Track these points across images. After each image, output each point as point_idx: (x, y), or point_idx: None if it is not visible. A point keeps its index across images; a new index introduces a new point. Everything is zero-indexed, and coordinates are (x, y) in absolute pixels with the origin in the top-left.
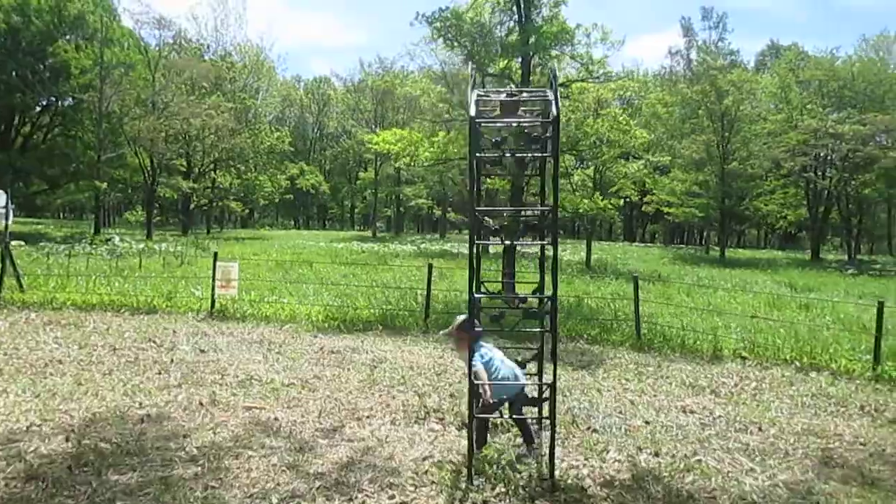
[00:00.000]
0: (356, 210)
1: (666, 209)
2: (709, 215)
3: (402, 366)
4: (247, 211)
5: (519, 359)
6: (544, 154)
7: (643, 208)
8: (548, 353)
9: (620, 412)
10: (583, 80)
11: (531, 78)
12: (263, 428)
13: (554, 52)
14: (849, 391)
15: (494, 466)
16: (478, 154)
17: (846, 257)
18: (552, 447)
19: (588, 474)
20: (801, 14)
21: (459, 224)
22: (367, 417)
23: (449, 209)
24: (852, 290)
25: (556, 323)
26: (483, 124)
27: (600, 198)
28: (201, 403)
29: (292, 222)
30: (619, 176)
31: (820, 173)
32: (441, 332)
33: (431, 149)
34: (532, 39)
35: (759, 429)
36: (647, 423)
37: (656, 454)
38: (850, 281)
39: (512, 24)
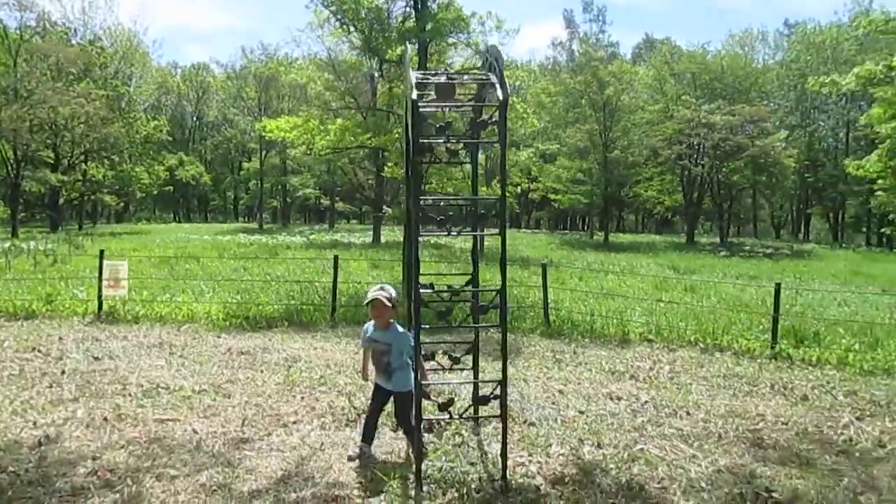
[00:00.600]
0: (240, 201)
1: (552, 196)
2: (593, 202)
3: (318, 364)
4: (122, 205)
5: (454, 354)
6: (490, 141)
7: (529, 195)
8: (491, 350)
9: (553, 403)
10: (478, 69)
11: (428, 65)
12: (182, 443)
13: (451, 40)
14: (755, 370)
15: (443, 470)
16: (424, 140)
17: (718, 240)
18: (504, 448)
19: (537, 471)
20: (674, 10)
21: (348, 214)
22: (294, 423)
23: (337, 199)
24: (728, 270)
25: (505, 318)
26: (421, 108)
27: (496, 185)
28: (105, 419)
29: (172, 215)
30: (510, 164)
31: (694, 161)
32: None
33: (328, 137)
34: (429, 26)
35: (687, 413)
36: (580, 412)
37: (599, 445)
38: (725, 262)
39: (408, 9)
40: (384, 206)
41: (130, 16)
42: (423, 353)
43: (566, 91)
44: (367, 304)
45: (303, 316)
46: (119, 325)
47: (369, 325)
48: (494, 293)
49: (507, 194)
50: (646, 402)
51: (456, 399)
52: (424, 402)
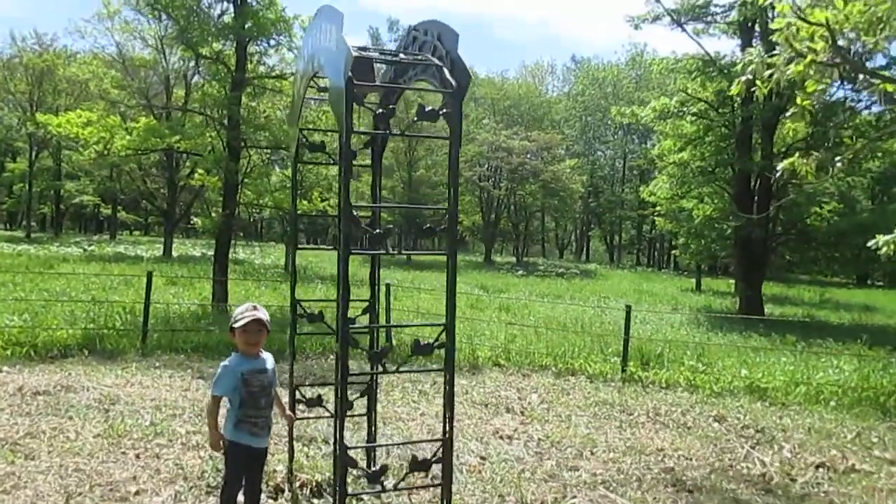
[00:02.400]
0: (2, 207)
1: (357, 213)
2: (396, 219)
3: (144, 406)
4: None
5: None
6: (441, 137)
7: (331, 211)
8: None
9: None
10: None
11: (247, 66)
12: None
13: (273, 42)
14: (618, 396)
15: None
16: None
17: (515, 260)
18: None
19: None
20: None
21: (132, 224)
22: (137, 495)
23: (121, 208)
24: (531, 289)
25: (453, 359)
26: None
27: (319, 199)
28: None
29: None
30: (320, 178)
31: (494, 183)
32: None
33: (129, 137)
34: (249, 24)
35: (591, 452)
36: (482, 458)
37: (525, 503)
38: (525, 281)
39: (226, 3)
40: (192, 217)
41: None
42: (306, 396)
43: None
44: (242, 326)
45: (107, 342)
46: None
47: (234, 359)
48: (441, 329)
49: (329, 206)
50: (539, 440)
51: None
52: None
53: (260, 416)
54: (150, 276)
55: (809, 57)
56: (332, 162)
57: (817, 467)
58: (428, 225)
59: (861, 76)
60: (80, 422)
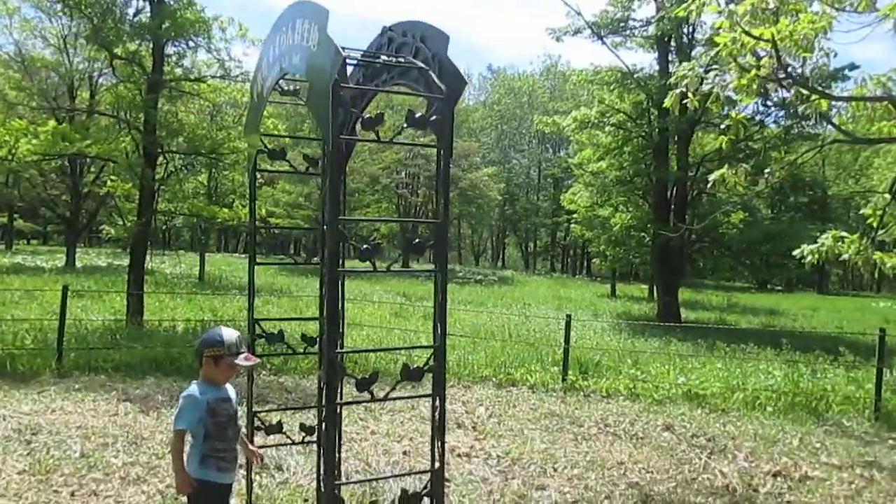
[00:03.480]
0: None
1: (272, 220)
2: (312, 226)
3: (71, 435)
4: None
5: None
6: (429, 145)
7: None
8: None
9: (409, 468)
10: (221, 78)
11: (164, 68)
12: None
13: (192, 43)
14: (565, 407)
15: None
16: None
17: (432, 266)
18: None
19: None
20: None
21: (30, 233)
22: None
23: (17, 216)
24: (451, 296)
25: (443, 384)
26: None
27: (241, 206)
28: None
29: None
30: (237, 185)
31: (412, 189)
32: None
33: (36, 141)
34: (166, 24)
35: (553, 468)
36: (446, 480)
37: None
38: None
39: (142, 2)
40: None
41: None
42: (265, 424)
43: (286, 112)
44: (234, 362)
45: (18, 364)
46: None
47: (197, 388)
48: (431, 352)
49: (225, 217)
50: (499, 458)
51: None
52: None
53: (228, 448)
54: (65, 290)
55: (753, 72)
56: (294, 171)
57: (774, 476)
58: (417, 240)
59: (797, 91)
60: (0, 457)
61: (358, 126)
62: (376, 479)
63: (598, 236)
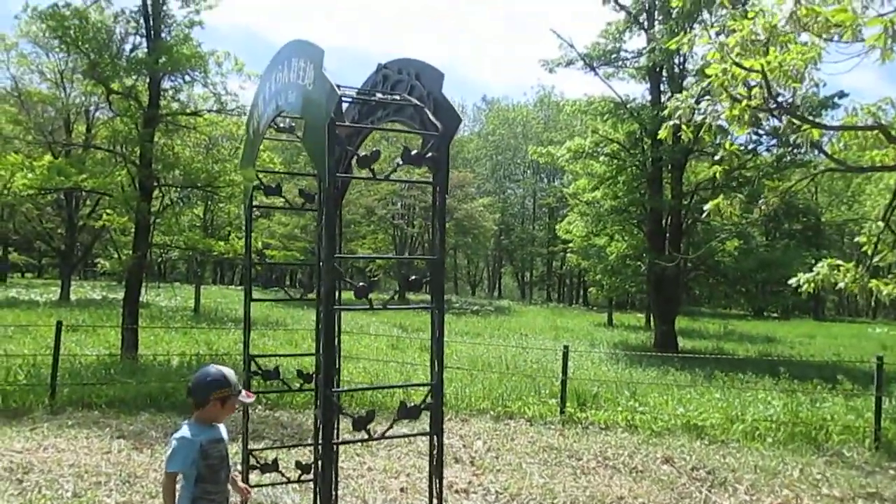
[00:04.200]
0: None
1: (268, 252)
2: (307, 258)
3: (63, 474)
4: None
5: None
6: (425, 181)
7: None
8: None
9: None
10: (217, 112)
11: (160, 102)
12: None
13: (188, 78)
14: (563, 440)
15: None
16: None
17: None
18: None
19: None
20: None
21: (24, 266)
22: None
23: (11, 249)
24: (448, 328)
25: (441, 422)
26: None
27: (237, 239)
28: None
29: None
30: (232, 217)
31: (408, 221)
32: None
33: (32, 175)
34: (163, 59)
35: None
36: None
37: None
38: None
39: (139, 38)
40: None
41: None
42: (261, 461)
43: (282, 146)
44: (231, 402)
45: (11, 400)
46: None
47: (190, 429)
48: (428, 389)
49: (220, 250)
50: (499, 493)
51: None
52: None
53: (219, 491)
54: (59, 325)
55: (744, 102)
56: (289, 206)
57: None
58: (413, 276)
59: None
60: None
61: (353, 162)
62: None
63: (594, 266)
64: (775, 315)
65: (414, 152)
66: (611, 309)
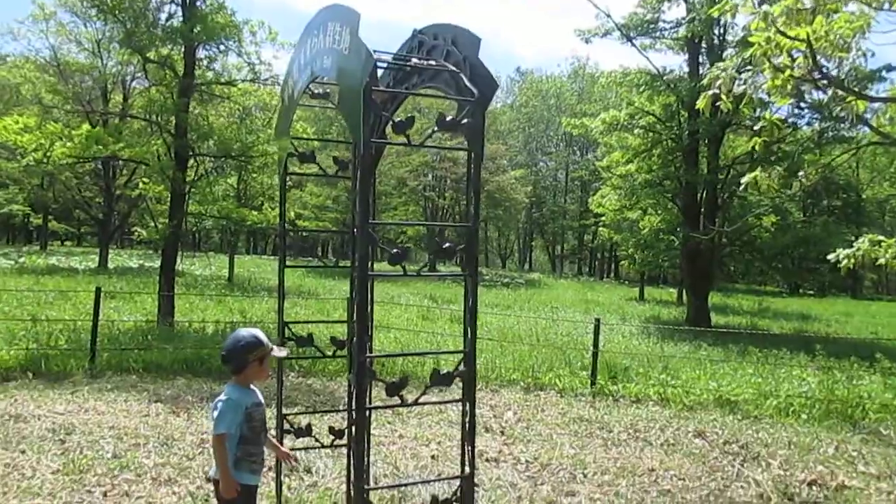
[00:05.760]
0: None
1: (300, 222)
2: (340, 229)
3: (103, 435)
4: None
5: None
6: (460, 148)
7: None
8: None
9: (438, 474)
10: (251, 81)
11: (195, 71)
12: None
13: (222, 47)
14: (594, 412)
15: None
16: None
17: (459, 269)
18: None
19: None
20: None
21: (63, 234)
22: None
23: (51, 217)
24: (478, 299)
25: (474, 390)
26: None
27: (270, 209)
28: None
29: None
30: (265, 187)
31: (439, 192)
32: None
33: (70, 144)
34: (198, 28)
35: (584, 475)
36: (475, 485)
37: None
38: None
39: (174, 7)
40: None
41: None
42: (294, 426)
43: (315, 116)
44: (264, 358)
45: (52, 364)
46: None
47: (236, 392)
48: (460, 357)
49: (254, 220)
50: (528, 462)
51: None
52: None
53: (258, 452)
54: (98, 292)
55: (787, 72)
56: (323, 174)
57: (810, 485)
58: (447, 244)
59: (834, 91)
60: (35, 456)
61: (388, 129)
62: (406, 485)
63: (627, 239)
64: (811, 292)
65: (449, 118)
66: (642, 283)
